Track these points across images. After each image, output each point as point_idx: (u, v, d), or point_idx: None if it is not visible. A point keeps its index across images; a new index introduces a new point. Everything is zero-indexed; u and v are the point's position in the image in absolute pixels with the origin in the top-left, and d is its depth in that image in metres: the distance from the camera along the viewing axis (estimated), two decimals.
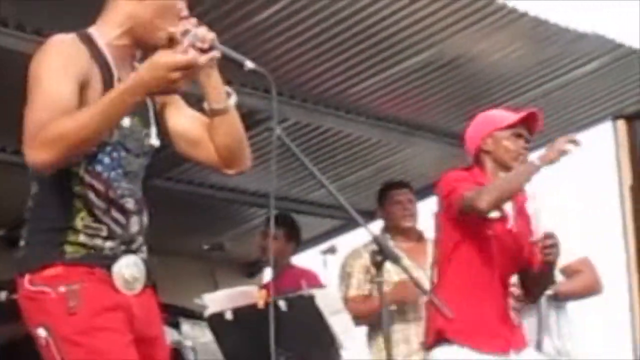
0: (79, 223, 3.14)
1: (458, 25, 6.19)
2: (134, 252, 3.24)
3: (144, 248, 3.33)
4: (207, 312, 5.49)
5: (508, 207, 4.95)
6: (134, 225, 3.27)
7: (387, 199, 6.22)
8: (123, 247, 3.21)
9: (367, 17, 5.92)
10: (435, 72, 6.54)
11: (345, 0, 5.65)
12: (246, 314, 5.23)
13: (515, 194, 4.82)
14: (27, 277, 3.17)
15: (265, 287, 6.23)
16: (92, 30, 3.27)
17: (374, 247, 4.44)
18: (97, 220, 3.16)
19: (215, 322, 5.42)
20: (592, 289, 5.97)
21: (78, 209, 3.15)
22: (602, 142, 6.65)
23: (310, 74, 6.41)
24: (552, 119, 7.20)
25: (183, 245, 8.39)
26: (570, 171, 6.07)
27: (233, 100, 3.27)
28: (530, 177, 4.68)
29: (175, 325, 7.09)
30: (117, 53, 3.25)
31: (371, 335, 6.12)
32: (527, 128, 4.94)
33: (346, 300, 5.97)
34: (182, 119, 3.42)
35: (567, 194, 5.13)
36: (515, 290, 5.37)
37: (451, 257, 5.04)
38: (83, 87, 3.09)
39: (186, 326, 7.03)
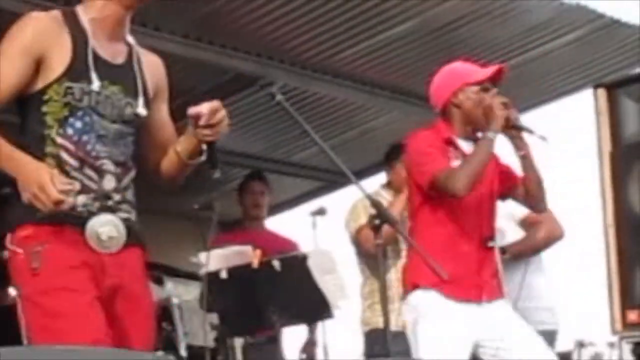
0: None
1: None
2: (112, 210, 3.38)
3: (126, 207, 3.45)
4: (203, 271, 5.39)
5: (466, 146, 5.07)
6: (109, 182, 3.41)
7: (396, 160, 6.31)
8: (97, 204, 3.34)
9: None
10: (420, 39, 6.67)
11: None
12: (241, 273, 5.31)
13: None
14: (8, 237, 3.35)
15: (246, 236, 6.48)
16: (79, 8, 3.46)
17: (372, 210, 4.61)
18: (68, 176, 3.27)
19: (211, 281, 5.31)
20: (553, 240, 6.20)
21: (50, 167, 3.25)
22: (583, 109, 6.70)
23: (300, 39, 6.53)
24: (535, 86, 7.44)
25: (174, 206, 8.59)
26: (552, 136, 6.26)
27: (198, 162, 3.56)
28: (492, 149, 4.84)
29: (160, 283, 7.26)
30: (99, 25, 3.42)
31: (366, 282, 6.22)
32: (492, 82, 5.05)
33: (356, 232, 6.14)
34: (160, 121, 3.67)
35: (548, 158, 5.29)
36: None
37: (418, 215, 5.21)
38: (43, 59, 3.29)
39: (170, 284, 7.17)
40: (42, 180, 3.10)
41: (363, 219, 6.09)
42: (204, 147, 3.51)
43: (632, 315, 6.17)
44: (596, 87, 6.54)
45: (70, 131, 3.36)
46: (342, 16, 6.39)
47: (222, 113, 3.47)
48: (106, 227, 3.35)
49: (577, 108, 6.95)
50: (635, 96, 6.44)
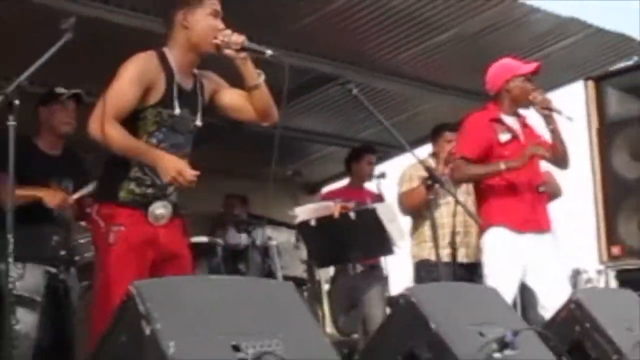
0: (132, 174, 3.69)
1: (475, 11, 6.40)
2: (166, 197, 3.79)
3: (174, 194, 3.83)
4: (297, 220, 5.76)
5: (516, 126, 5.30)
6: (166, 184, 3.74)
7: (440, 136, 6.32)
8: (159, 193, 3.75)
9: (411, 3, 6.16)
10: (457, 45, 6.79)
11: None
12: (325, 222, 5.51)
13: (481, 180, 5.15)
14: (96, 206, 3.77)
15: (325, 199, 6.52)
16: (166, 50, 3.79)
17: (424, 172, 4.99)
18: (144, 173, 3.70)
19: (303, 228, 5.72)
20: (555, 195, 6.17)
21: (133, 165, 3.69)
22: (575, 98, 6.97)
23: (367, 46, 6.65)
24: (540, 79, 7.16)
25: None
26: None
27: (262, 78, 3.82)
28: (495, 174, 5.03)
29: (262, 229, 7.61)
30: (180, 64, 3.78)
31: (415, 226, 6.23)
32: (533, 74, 5.25)
33: (400, 195, 6.18)
34: (229, 96, 3.99)
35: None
36: None
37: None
38: (148, 89, 3.65)
39: (269, 230, 7.54)
40: (180, 167, 3.55)
41: (414, 182, 6.04)
42: (243, 55, 3.76)
43: (615, 250, 6.46)
44: (586, 79, 6.84)
45: (153, 141, 3.72)
46: (399, 28, 6.54)
47: (229, 34, 3.76)
48: (160, 209, 3.76)
49: (573, 95, 7.19)
50: (615, 86, 6.68)
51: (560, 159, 5.18)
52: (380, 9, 6.22)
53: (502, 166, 4.96)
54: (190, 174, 3.58)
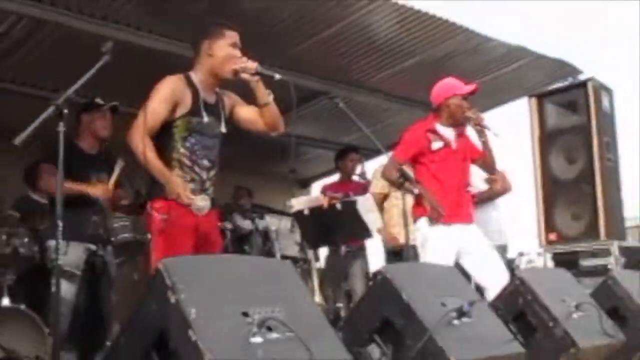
0: (175, 174, 3.74)
1: (439, 40, 6.46)
2: (205, 191, 3.85)
3: (211, 188, 3.89)
4: (293, 210, 5.78)
5: (450, 135, 5.17)
6: (205, 174, 3.88)
7: None
8: (199, 188, 3.81)
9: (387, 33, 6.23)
10: (424, 68, 6.76)
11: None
12: (316, 211, 5.53)
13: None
14: (149, 203, 3.80)
15: (323, 191, 6.55)
16: (192, 73, 3.87)
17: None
18: (185, 172, 3.78)
19: (298, 216, 5.71)
20: (505, 190, 6.27)
21: (175, 166, 3.77)
22: (520, 111, 7.01)
23: (351, 68, 6.69)
24: (491, 96, 7.40)
25: (272, 169, 8.66)
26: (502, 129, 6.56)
27: (271, 97, 3.90)
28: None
29: (262, 217, 7.68)
30: (204, 84, 3.86)
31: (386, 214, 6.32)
32: (470, 94, 5.14)
33: (372, 194, 6.19)
34: (244, 111, 4.06)
35: (498, 145, 5.53)
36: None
37: (421, 172, 5.17)
38: (175, 107, 3.73)
39: (269, 217, 7.55)
40: (180, 190, 3.65)
41: (378, 185, 6.21)
42: (257, 79, 3.85)
43: (551, 236, 6.53)
44: (530, 96, 6.91)
45: (187, 144, 3.80)
46: (377, 53, 6.55)
47: (245, 61, 3.84)
48: (201, 202, 3.80)
49: (519, 109, 7.23)
50: (554, 102, 6.74)
51: (489, 165, 5.14)
52: (362, 37, 6.23)
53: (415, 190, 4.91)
54: (187, 196, 3.69)
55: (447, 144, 5.18)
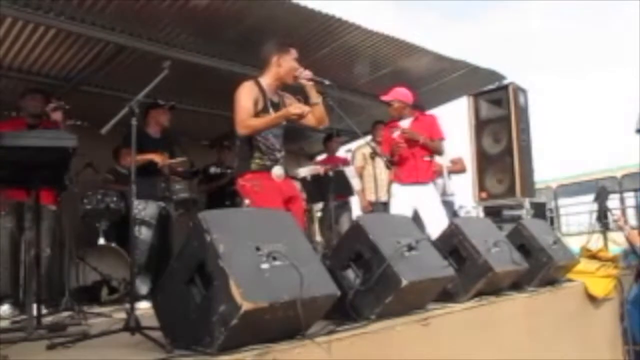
0: (255, 155, 3.74)
1: (407, 55, 6.29)
2: (278, 162, 3.83)
3: (283, 162, 3.88)
4: (300, 176, 5.80)
5: (406, 125, 5.18)
6: (279, 154, 3.86)
7: (377, 128, 6.45)
8: (275, 162, 3.80)
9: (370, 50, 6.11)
10: (395, 75, 6.53)
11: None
12: (316, 177, 5.59)
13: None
14: (239, 176, 3.78)
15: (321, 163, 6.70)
16: (260, 79, 3.80)
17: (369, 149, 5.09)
18: (263, 154, 3.76)
19: (303, 180, 5.72)
20: (462, 170, 6.41)
21: (255, 149, 3.75)
22: (462, 108, 6.95)
23: (341, 74, 6.28)
24: (441, 95, 7.43)
25: (288, 147, 8.60)
26: (448, 119, 6.55)
27: (320, 99, 3.85)
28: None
29: None
30: (270, 88, 3.78)
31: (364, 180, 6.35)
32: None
33: (354, 167, 6.33)
34: None
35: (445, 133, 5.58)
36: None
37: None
38: (255, 103, 3.66)
39: None
40: (292, 110, 3.65)
41: (359, 157, 6.31)
42: (311, 84, 3.84)
43: (482, 194, 6.52)
44: (469, 95, 6.89)
45: (263, 134, 3.78)
46: (361, 64, 6.41)
47: (302, 71, 3.83)
48: (278, 171, 3.82)
49: (460, 107, 7.16)
50: (485, 99, 6.71)
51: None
52: (349, 53, 6.18)
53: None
54: (300, 107, 3.69)
55: (403, 131, 5.22)
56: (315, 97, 3.91)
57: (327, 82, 3.86)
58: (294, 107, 3.71)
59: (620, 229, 5.71)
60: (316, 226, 6.38)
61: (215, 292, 2.17)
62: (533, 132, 6.72)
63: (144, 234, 4.78)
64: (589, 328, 5.21)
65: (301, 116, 3.70)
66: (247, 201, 3.79)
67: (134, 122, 2.88)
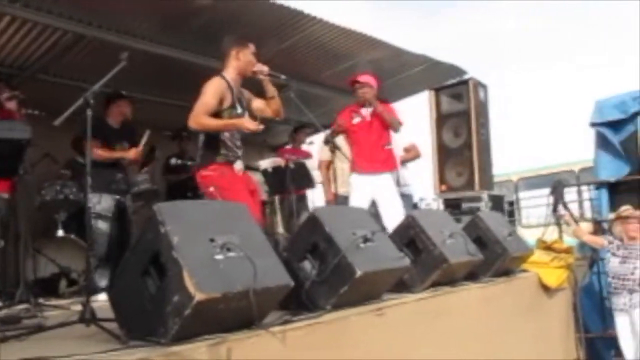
0: (221, 149, 3.79)
1: (368, 50, 6.35)
2: (239, 158, 3.91)
3: (241, 158, 3.94)
4: (261, 168, 5.91)
5: (366, 113, 5.23)
6: (239, 151, 3.93)
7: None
8: (236, 157, 3.87)
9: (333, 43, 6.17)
10: (357, 68, 6.47)
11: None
12: (277, 169, 5.67)
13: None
14: (203, 167, 3.80)
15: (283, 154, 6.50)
16: (225, 74, 3.84)
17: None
18: (228, 150, 3.84)
19: (264, 172, 5.82)
20: (417, 156, 6.50)
21: (221, 146, 3.82)
22: (424, 100, 6.93)
23: (303, 68, 6.50)
24: (403, 89, 7.54)
25: (251, 138, 8.50)
26: (410, 113, 6.61)
27: (276, 92, 3.95)
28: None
29: None
30: (234, 83, 3.81)
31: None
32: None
33: (319, 161, 6.33)
34: (257, 103, 4.05)
35: (405, 123, 5.59)
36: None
37: (347, 137, 5.45)
38: (223, 99, 3.71)
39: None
40: (247, 124, 3.68)
41: (324, 150, 6.17)
42: (268, 78, 3.93)
43: (442, 187, 6.50)
44: (431, 90, 6.85)
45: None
46: (324, 57, 6.42)
47: (260, 66, 3.91)
48: (239, 165, 3.90)
49: (422, 100, 7.15)
50: (446, 94, 6.69)
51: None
52: (312, 45, 6.18)
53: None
54: (255, 124, 3.73)
55: (363, 119, 5.29)
56: (271, 92, 4.01)
57: (283, 77, 3.93)
58: (249, 123, 3.75)
59: (567, 224, 5.87)
60: (278, 218, 6.39)
61: (169, 283, 2.20)
62: (501, 126, 6.97)
63: (101, 226, 4.76)
64: (543, 317, 5.39)
65: (252, 131, 3.78)
66: (211, 188, 3.79)
67: (89, 113, 2.86)
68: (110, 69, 3.21)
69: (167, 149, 6.84)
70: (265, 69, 3.92)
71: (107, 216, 4.85)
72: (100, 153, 4.58)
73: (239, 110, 3.90)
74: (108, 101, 5.05)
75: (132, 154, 4.90)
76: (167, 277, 2.21)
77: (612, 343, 5.48)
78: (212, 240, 2.32)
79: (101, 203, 4.82)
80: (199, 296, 2.10)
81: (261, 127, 3.77)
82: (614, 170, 6.61)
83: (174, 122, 7.19)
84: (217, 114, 3.82)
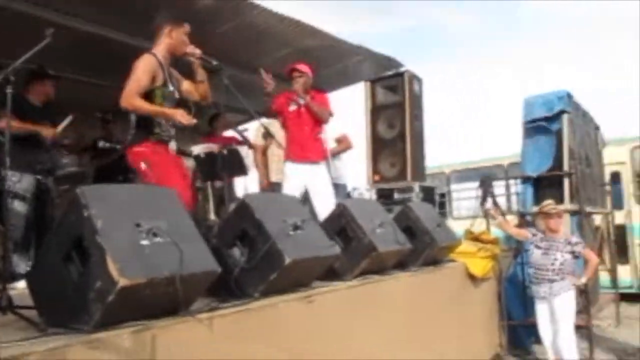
0: (155, 128, 3.70)
1: (306, 36, 6.30)
2: (172, 138, 3.85)
3: (174, 139, 3.87)
4: (194, 153, 5.65)
5: (302, 101, 5.20)
6: (173, 131, 3.84)
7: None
8: (170, 137, 3.81)
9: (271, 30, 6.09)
10: (295, 56, 6.31)
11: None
12: (209, 154, 5.42)
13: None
14: (135, 145, 3.72)
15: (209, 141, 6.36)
16: (155, 52, 3.75)
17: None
18: (162, 129, 3.76)
19: (197, 157, 5.57)
20: (348, 147, 6.49)
21: (155, 125, 3.73)
22: (360, 92, 7.02)
23: (240, 54, 6.41)
24: (340, 79, 7.46)
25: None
26: (346, 103, 6.67)
27: (205, 77, 3.89)
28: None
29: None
30: (165, 61, 3.72)
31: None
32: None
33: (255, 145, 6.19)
34: (186, 85, 3.97)
35: (341, 113, 5.63)
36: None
37: (282, 123, 5.45)
38: (155, 76, 3.63)
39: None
40: (179, 117, 3.61)
41: (258, 137, 6.27)
42: (198, 62, 3.87)
43: (376, 177, 6.60)
44: (366, 81, 6.95)
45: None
46: (261, 44, 6.32)
47: (193, 48, 3.84)
48: (173, 145, 3.83)
49: (359, 90, 7.20)
50: (381, 85, 6.79)
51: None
52: (249, 31, 6.10)
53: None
54: (188, 118, 3.66)
55: (299, 107, 5.28)
56: (201, 75, 3.96)
57: (215, 63, 3.88)
58: (183, 116, 3.67)
59: (493, 218, 6.10)
60: (211, 204, 6.31)
61: (91, 268, 2.16)
62: (438, 119, 7.04)
63: (18, 207, 4.56)
64: (468, 305, 5.60)
65: (185, 125, 3.73)
66: (142, 165, 3.70)
67: (9, 90, 2.75)
68: (34, 46, 3.08)
69: (94, 131, 6.62)
70: (197, 51, 3.85)
71: (25, 197, 4.63)
72: (13, 124, 4.36)
73: (171, 88, 3.83)
74: (32, 78, 4.83)
75: (49, 132, 4.70)
76: (89, 263, 2.17)
77: (533, 330, 5.73)
78: (138, 225, 2.30)
79: (21, 182, 4.60)
80: (122, 282, 2.07)
81: (194, 121, 3.71)
82: (538, 165, 6.87)
83: (101, 103, 7.06)
84: (149, 92, 3.73)
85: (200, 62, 3.90)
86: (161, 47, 3.86)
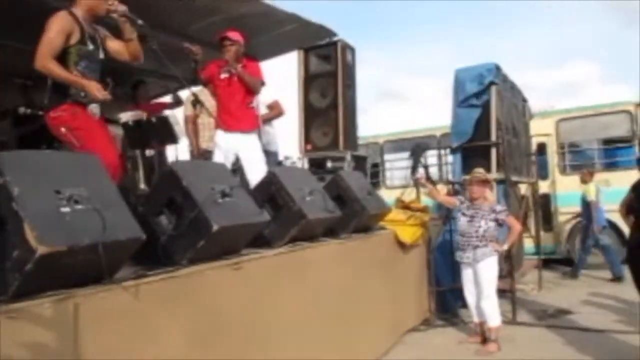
0: (71, 89, 3.56)
1: (239, 4, 6.13)
2: (94, 102, 3.67)
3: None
4: (122, 121, 5.71)
5: (233, 69, 5.15)
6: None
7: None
8: (90, 100, 3.62)
9: None
10: (227, 23, 6.21)
11: None
12: (138, 122, 5.48)
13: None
14: (53, 109, 3.60)
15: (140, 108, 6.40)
16: (74, 9, 3.62)
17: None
18: (79, 90, 3.56)
19: (124, 125, 5.61)
20: (280, 114, 6.55)
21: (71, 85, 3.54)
22: (293, 59, 6.98)
23: (171, 20, 6.20)
24: (274, 47, 7.19)
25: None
26: (280, 70, 6.64)
27: (135, 35, 3.77)
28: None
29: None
30: (85, 20, 3.60)
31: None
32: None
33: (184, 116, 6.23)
34: (114, 44, 3.83)
35: (275, 81, 5.59)
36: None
37: (213, 91, 5.36)
38: (70, 34, 3.50)
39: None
40: (94, 90, 3.47)
41: (187, 105, 6.19)
42: (123, 19, 3.75)
43: (308, 146, 6.63)
44: (300, 49, 6.91)
45: (79, 68, 3.61)
46: (190, 10, 6.11)
47: (117, 5, 3.72)
48: (94, 109, 3.68)
49: (292, 58, 7.14)
50: (315, 54, 6.78)
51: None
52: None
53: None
54: (104, 94, 3.55)
55: (231, 75, 5.20)
56: (129, 33, 3.82)
57: (140, 22, 3.77)
58: (98, 91, 3.54)
59: (423, 186, 6.29)
60: (141, 173, 6.22)
61: (8, 237, 2.13)
62: (358, 88, 7.05)
63: None
64: (398, 271, 5.79)
65: (99, 100, 3.62)
66: (62, 129, 3.59)
67: None
68: None
69: (15, 97, 6.37)
70: (121, 7, 3.73)
71: None
72: None
73: (90, 47, 3.68)
74: None
75: None
76: (5, 231, 2.13)
77: (460, 295, 5.98)
78: (58, 192, 2.27)
79: None
80: (41, 250, 2.06)
81: (109, 97, 3.60)
82: (464, 136, 7.08)
83: (21, 67, 6.78)
84: (64, 51, 3.59)
85: (125, 19, 3.79)
86: (80, 6, 3.74)
